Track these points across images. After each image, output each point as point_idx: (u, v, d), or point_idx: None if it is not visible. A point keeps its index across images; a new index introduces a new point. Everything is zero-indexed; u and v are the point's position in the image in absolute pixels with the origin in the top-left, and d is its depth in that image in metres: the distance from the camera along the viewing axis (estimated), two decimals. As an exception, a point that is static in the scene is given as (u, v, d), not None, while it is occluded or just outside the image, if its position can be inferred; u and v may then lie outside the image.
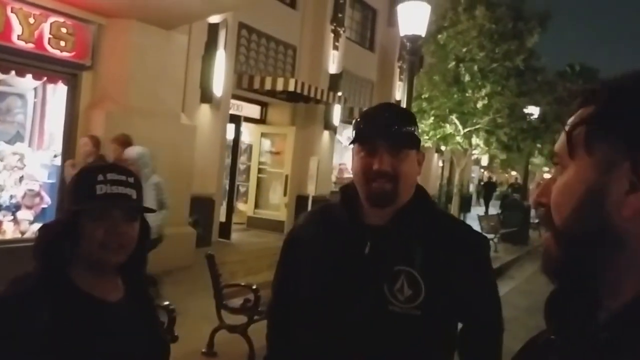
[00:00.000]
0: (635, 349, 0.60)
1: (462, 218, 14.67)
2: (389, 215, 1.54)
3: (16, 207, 6.50)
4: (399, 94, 14.57)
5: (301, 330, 1.64)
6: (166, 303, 3.62)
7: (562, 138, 0.71)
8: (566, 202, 0.68)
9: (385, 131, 1.49)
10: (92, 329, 1.36)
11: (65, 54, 6.40)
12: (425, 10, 7.66)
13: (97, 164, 1.43)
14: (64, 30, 6.32)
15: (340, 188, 1.69)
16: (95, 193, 1.36)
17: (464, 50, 12.16)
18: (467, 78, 12.06)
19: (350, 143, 1.57)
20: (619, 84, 0.68)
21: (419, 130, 1.62)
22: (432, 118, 12.67)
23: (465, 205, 19.64)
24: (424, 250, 1.51)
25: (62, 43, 6.33)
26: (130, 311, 1.48)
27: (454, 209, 13.67)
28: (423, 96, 12.56)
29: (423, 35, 7.77)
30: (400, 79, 14.79)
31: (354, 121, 1.61)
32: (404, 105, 7.33)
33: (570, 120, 0.71)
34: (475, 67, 12.00)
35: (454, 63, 12.24)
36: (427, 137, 12.99)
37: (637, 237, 0.63)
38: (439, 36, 12.27)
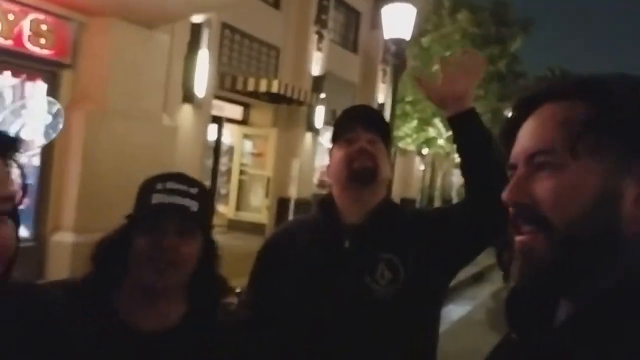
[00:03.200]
0: (593, 348, 0.62)
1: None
2: (364, 215, 1.62)
3: (-9, 208, 6.32)
4: (382, 96, 14.59)
5: (284, 333, 1.64)
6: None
7: (547, 134, 0.69)
8: (571, 204, 0.66)
9: (364, 119, 1.63)
10: (111, 357, 1.22)
11: (44, 52, 6.26)
12: (411, 12, 7.66)
13: (162, 173, 1.30)
14: (43, 27, 6.18)
15: (315, 199, 1.75)
16: (150, 202, 1.24)
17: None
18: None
19: (332, 140, 1.66)
20: (617, 85, 0.69)
21: (401, 134, 1.74)
22: (415, 121, 12.72)
23: (446, 208, 19.68)
24: (400, 238, 1.60)
25: (42, 40, 6.19)
26: (178, 344, 1.27)
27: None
28: (406, 99, 12.61)
29: (407, 39, 7.77)
30: (383, 82, 14.82)
31: (335, 120, 1.70)
32: (387, 108, 7.34)
33: (562, 115, 0.69)
34: (458, 71, 12.08)
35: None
36: (409, 141, 13.05)
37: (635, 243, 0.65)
38: (422, 39, 12.33)
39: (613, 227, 0.65)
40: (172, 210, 1.24)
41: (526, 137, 0.73)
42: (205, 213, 1.30)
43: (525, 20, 12.63)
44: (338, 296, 1.57)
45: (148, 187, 1.28)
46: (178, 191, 1.25)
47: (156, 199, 1.25)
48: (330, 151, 1.71)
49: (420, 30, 12.18)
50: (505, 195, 0.72)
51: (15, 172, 0.90)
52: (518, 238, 0.71)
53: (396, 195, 17.75)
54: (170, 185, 1.26)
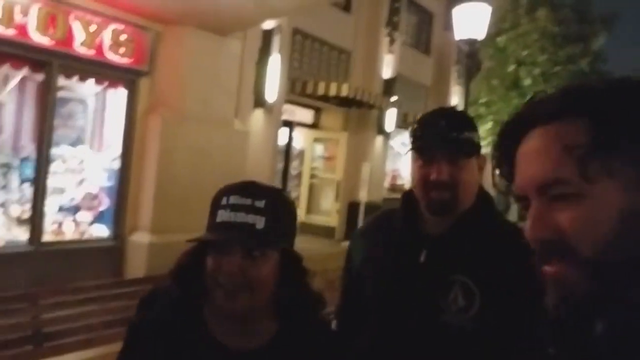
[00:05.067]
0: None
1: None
2: (448, 224, 1.50)
3: (76, 209, 6.71)
4: (455, 98, 14.25)
5: (363, 331, 1.60)
6: None
7: (554, 163, 0.66)
8: (598, 231, 0.64)
9: (442, 140, 1.44)
10: None
11: (124, 61, 6.57)
12: (486, 11, 7.42)
13: (232, 184, 1.21)
14: (123, 37, 6.49)
15: (402, 193, 1.63)
16: (215, 221, 1.15)
17: (525, 53, 11.78)
18: (527, 82, 11.66)
19: (407, 151, 1.52)
20: (612, 95, 0.65)
21: (477, 136, 1.53)
22: (490, 123, 12.33)
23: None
24: (482, 260, 1.44)
25: (122, 50, 6.50)
26: None
27: (511, 217, 13.23)
28: (480, 101, 12.25)
29: (481, 39, 7.54)
30: (457, 83, 14.48)
31: (410, 127, 1.56)
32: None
33: (563, 139, 0.66)
34: (537, 71, 11.59)
35: (514, 66, 11.87)
36: (484, 143, 12.67)
37: None
38: (498, 39, 11.93)
39: None
40: (235, 230, 1.12)
41: (530, 166, 0.69)
42: (276, 226, 1.16)
43: (608, 16, 11.93)
44: (409, 313, 1.48)
45: (216, 202, 1.18)
46: (242, 206, 1.14)
47: (220, 216, 1.15)
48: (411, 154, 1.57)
49: (495, 30, 11.78)
50: (529, 234, 0.69)
51: None
52: (547, 270, 0.69)
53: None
54: (233, 200, 1.15)
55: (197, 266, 1.19)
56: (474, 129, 1.51)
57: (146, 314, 1.26)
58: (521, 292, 1.38)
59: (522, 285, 1.38)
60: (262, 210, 1.14)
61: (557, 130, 0.67)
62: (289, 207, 1.23)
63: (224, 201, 1.16)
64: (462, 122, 1.50)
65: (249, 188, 1.18)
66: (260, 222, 1.13)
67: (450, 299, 1.43)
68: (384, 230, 1.64)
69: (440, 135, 1.44)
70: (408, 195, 1.59)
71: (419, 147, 1.49)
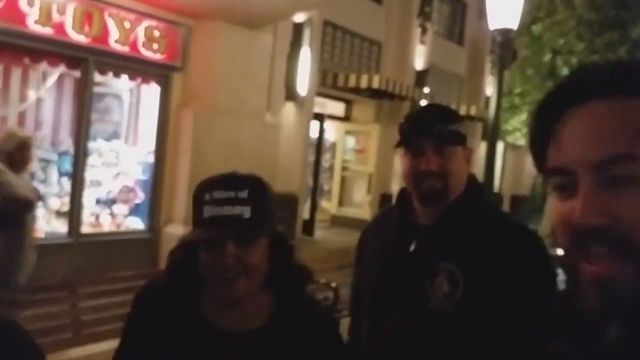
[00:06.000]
0: None
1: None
2: (437, 214, 1.56)
3: (112, 202, 6.89)
4: (490, 89, 14.01)
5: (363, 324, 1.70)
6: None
7: (621, 139, 0.59)
8: None
9: (428, 132, 1.52)
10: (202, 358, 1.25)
11: (157, 56, 6.69)
12: (518, 1, 7.27)
13: (210, 178, 1.25)
14: (156, 33, 6.61)
15: (398, 190, 1.72)
16: (202, 216, 1.20)
17: (561, 41, 11.49)
18: (564, 71, 11.38)
19: (396, 146, 1.59)
20: None
21: (464, 128, 1.60)
22: (525, 114, 12.09)
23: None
24: (468, 247, 1.50)
25: (155, 45, 6.62)
26: (268, 342, 1.27)
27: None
28: (515, 91, 12.02)
29: (515, 28, 7.39)
30: (491, 74, 14.22)
31: (399, 124, 1.62)
32: (493, 101, 7.01)
33: (633, 115, 0.60)
34: (574, 60, 11.30)
35: (550, 56, 11.60)
36: (519, 135, 12.42)
37: None
38: (533, 27, 11.67)
39: None
40: (224, 224, 1.18)
41: (588, 140, 0.61)
42: (262, 213, 1.21)
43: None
44: (398, 300, 1.55)
45: (199, 198, 1.22)
46: (227, 200, 1.19)
47: (207, 212, 1.19)
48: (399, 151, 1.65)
49: (531, 18, 11.52)
50: (580, 215, 0.59)
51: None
52: (589, 269, 0.60)
53: (506, 192, 17.01)
54: (217, 194, 1.19)
55: (190, 259, 1.24)
56: (459, 120, 1.59)
57: (143, 307, 1.32)
58: (505, 278, 1.43)
59: (506, 272, 1.44)
60: (246, 200, 1.19)
61: (623, 106, 0.61)
62: (269, 191, 1.27)
63: (207, 197, 1.19)
64: (446, 114, 1.59)
65: (229, 180, 1.22)
66: (246, 212, 1.18)
67: (437, 285, 1.48)
68: (384, 225, 1.74)
69: (427, 128, 1.53)
70: (402, 191, 1.68)
71: (407, 140, 1.57)
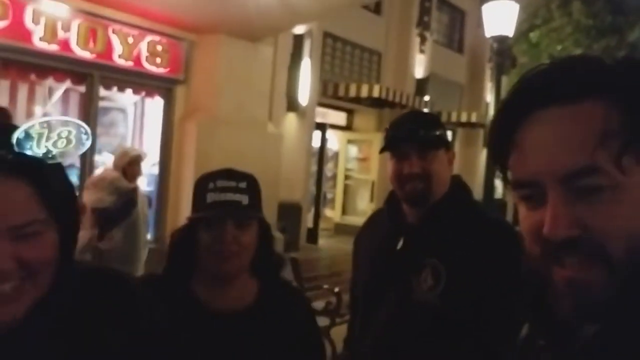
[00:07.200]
0: (627, 352, 0.57)
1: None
2: (423, 213, 1.66)
3: (118, 213, 6.99)
4: (490, 96, 14.11)
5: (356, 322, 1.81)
6: None
7: (583, 149, 0.57)
8: (631, 229, 0.57)
9: (411, 136, 1.63)
10: (199, 340, 1.35)
11: (160, 70, 6.84)
12: (513, 9, 7.41)
13: (212, 171, 1.44)
14: (159, 48, 6.76)
15: (388, 193, 1.81)
16: (206, 201, 1.38)
17: (559, 48, 11.61)
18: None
19: (381, 151, 1.70)
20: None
21: (445, 133, 1.72)
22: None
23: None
24: (452, 244, 1.58)
25: (158, 60, 6.77)
26: (257, 319, 1.43)
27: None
28: (514, 98, 12.11)
29: (510, 36, 7.51)
30: (491, 81, 14.33)
31: (385, 130, 1.74)
32: (492, 107, 7.14)
33: (594, 122, 0.58)
34: (572, 65, 11.40)
35: (547, 62, 11.70)
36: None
37: None
38: (531, 34, 11.79)
39: None
40: (226, 207, 1.37)
41: (552, 151, 0.59)
42: (256, 202, 1.42)
43: (645, 7, 11.66)
44: (386, 295, 1.64)
45: (201, 187, 1.40)
46: (229, 188, 1.38)
47: (210, 197, 1.38)
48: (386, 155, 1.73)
49: (528, 25, 11.65)
50: (549, 230, 0.58)
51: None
52: (563, 274, 0.60)
53: (510, 198, 17.02)
54: (220, 183, 1.39)
55: (188, 242, 1.41)
56: (440, 126, 1.71)
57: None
58: (484, 272, 1.51)
59: (484, 266, 1.52)
60: (244, 189, 1.40)
61: (586, 112, 0.58)
62: (259, 186, 1.48)
63: (211, 185, 1.38)
64: (428, 120, 1.74)
65: (230, 172, 1.43)
66: (245, 199, 1.39)
67: (422, 279, 1.57)
68: (375, 226, 1.86)
69: (409, 133, 1.64)
70: (392, 193, 1.77)
71: (391, 145, 1.67)
